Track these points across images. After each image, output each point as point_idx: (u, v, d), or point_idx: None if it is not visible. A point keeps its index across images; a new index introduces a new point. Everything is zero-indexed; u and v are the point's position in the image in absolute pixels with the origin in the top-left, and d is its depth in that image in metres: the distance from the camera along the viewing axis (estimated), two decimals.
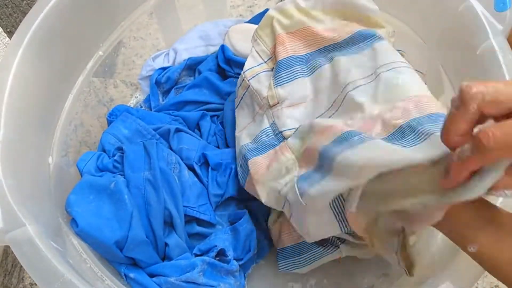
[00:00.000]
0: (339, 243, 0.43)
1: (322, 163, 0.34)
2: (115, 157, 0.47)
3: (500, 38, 0.39)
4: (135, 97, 0.61)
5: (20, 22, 0.41)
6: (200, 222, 0.46)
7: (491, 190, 0.24)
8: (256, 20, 0.61)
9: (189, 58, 0.59)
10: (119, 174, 0.46)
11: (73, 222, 0.40)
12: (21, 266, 0.51)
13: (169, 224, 0.44)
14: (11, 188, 0.33)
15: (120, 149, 0.48)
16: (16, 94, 0.38)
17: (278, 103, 0.42)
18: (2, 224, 0.31)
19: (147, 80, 0.59)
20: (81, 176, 0.46)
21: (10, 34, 0.59)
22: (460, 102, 0.23)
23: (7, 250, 0.52)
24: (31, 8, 0.41)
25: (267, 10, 0.62)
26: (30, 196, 0.36)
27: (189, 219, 0.46)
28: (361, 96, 0.37)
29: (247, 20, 0.63)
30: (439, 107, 0.34)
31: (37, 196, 0.38)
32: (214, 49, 0.60)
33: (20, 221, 0.32)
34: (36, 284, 0.49)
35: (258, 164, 0.41)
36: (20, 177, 0.36)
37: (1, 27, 0.56)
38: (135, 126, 0.51)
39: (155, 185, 0.44)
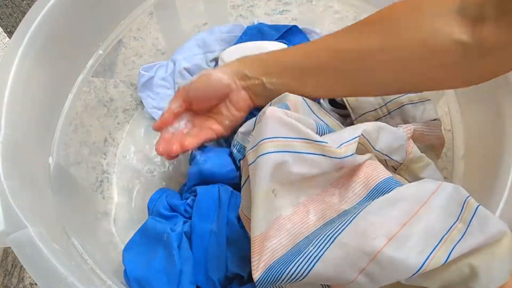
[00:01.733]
0: None
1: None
2: (188, 201, 0.45)
3: None
4: None
5: (20, 22, 0.40)
6: None
7: None
8: (244, 38, 0.61)
9: None
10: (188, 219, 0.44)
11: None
12: (21, 266, 0.50)
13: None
14: (12, 189, 0.33)
15: (194, 190, 0.46)
16: (16, 94, 0.38)
17: None
18: (3, 226, 0.31)
19: (146, 88, 0.60)
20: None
21: (10, 34, 0.59)
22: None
23: (7, 250, 0.52)
24: (31, 8, 0.41)
25: (261, 24, 0.61)
26: (30, 197, 0.36)
27: None
28: None
29: (246, 20, 0.63)
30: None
31: (38, 197, 0.38)
32: (212, 55, 0.60)
33: (22, 222, 0.32)
34: (36, 284, 0.49)
35: None
36: (21, 178, 0.36)
37: (1, 27, 0.56)
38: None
39: (219, 238, 0.41)
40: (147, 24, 0.59)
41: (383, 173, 0.33)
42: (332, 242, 0.28)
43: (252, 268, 0.31)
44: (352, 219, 0.29)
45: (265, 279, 0.30)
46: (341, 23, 0.63)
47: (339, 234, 0.28)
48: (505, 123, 0.38)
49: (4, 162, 0.34)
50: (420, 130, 0.41)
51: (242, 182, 0.36)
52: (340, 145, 0.33)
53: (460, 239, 0.27)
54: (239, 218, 0.42)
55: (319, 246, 0.28)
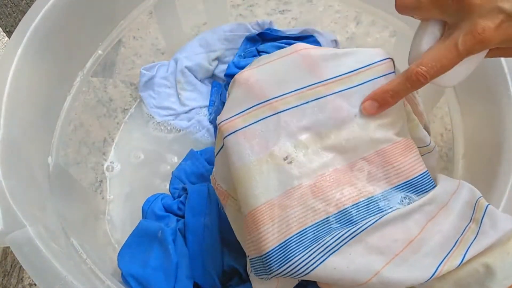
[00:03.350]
0: None
1: None
2: (181, 198, 0.47)
3: None
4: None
5: (19, 21, 0.40)
6: None
7: None
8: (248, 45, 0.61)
9: None
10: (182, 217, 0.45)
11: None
12: (20, 266, 0.50)
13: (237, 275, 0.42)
14: (11, 188, 0.33)
15: (185, 189, 0.48)
16: (16, 93, 0.38)
17: None
18: (2, 225, 0.31)
19: (147, 88, 0.60)
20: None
21: (9, 33, 0.59)
22: None
23: (6, 250, 0.52)
24: (30, 7, 0.41)
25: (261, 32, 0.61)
26: (30, 196, 0.36)
27: None
28: None
29: (246, 19, 0.63)
30: None
31: (37, 197, 0.38)
32: (214, 55, 0.61)
33: (20, 222, 0.32)
34: (35, 285, 0.49)
35: None
36: (20, 177, 0.36)
37: (0, 27, 0.56)
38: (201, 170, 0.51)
39: (212, 231, 0.42)
40: (146, 24, 0.59)
41: (419, 166, 0.31)
42: (353, 237, 0.27)
43: (262, 238, 0.28)
44: (379, 219, 0.27)
45: (279, 254, 0.27)
46: (342, 22, 0.63)
47: (362, 231, 0.27)
48: (505, 123, 0.38)
49: (3, 161, 0.34)
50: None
51: (216, 150, 0.34)
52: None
53: (474, 239, 0.27)
54: None
55: (338, 238, 0.27)
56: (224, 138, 0.31)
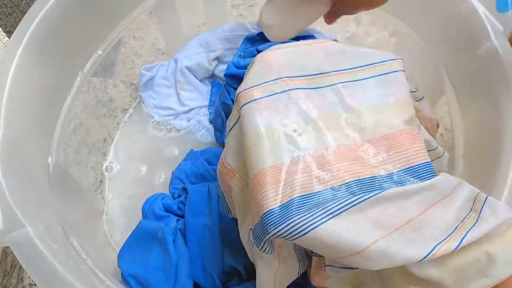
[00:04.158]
0: None
1: None
2: (181, 198, 0.47)
3: (502, 39, 0.39)
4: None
5: (19, 21, 0.40)
6: None
7: None
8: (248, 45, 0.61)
9: None
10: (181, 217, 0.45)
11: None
12: (21, 266, 0.50)
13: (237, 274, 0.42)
14: (11, 188, 0.33)
15: (185, 189, 0.48)
16: (16, 93, 0.38)
17: None
18: (2, 225, 0.31)
19: (147, 88, 0.60)
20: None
21: (9, 33, 0.59)
22: None
23: (6, 250, 0.52)
24: (30, 7, 0.41)
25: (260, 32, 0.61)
26: (30, 196, 0.36)
27: None
28: None
29: (246, 20, 0.63)
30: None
31: (37, 197, 0.38)
32: (214, 54, 0.60)
33: (20, 222, 0.32)
34: (35, 285, 0.49)
35: None
36: (20, 177, 0.36)
37: (0, 27, 0.56)
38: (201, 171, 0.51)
39: (213, 231, 0.42)
40: (146, 24, 0.59)
41: (424, 155, 0.31)
42: (355, 205, 0.27)
43: (265, 198, 0.29)
44: (379, 193, 0.28)
45: (279, 213, 0.28)
46: (341, 22, 0.63)
47: (363, 201, 0.28)
48: (505, 123, 0.38)
49: (3, 161, 0.34)
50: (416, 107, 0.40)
51: (230, 126, 0.35)
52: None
53: (474, 225, 0.28)
54: None
55: (339, 204, 0.28)
56: (241, 107, 0.33)
